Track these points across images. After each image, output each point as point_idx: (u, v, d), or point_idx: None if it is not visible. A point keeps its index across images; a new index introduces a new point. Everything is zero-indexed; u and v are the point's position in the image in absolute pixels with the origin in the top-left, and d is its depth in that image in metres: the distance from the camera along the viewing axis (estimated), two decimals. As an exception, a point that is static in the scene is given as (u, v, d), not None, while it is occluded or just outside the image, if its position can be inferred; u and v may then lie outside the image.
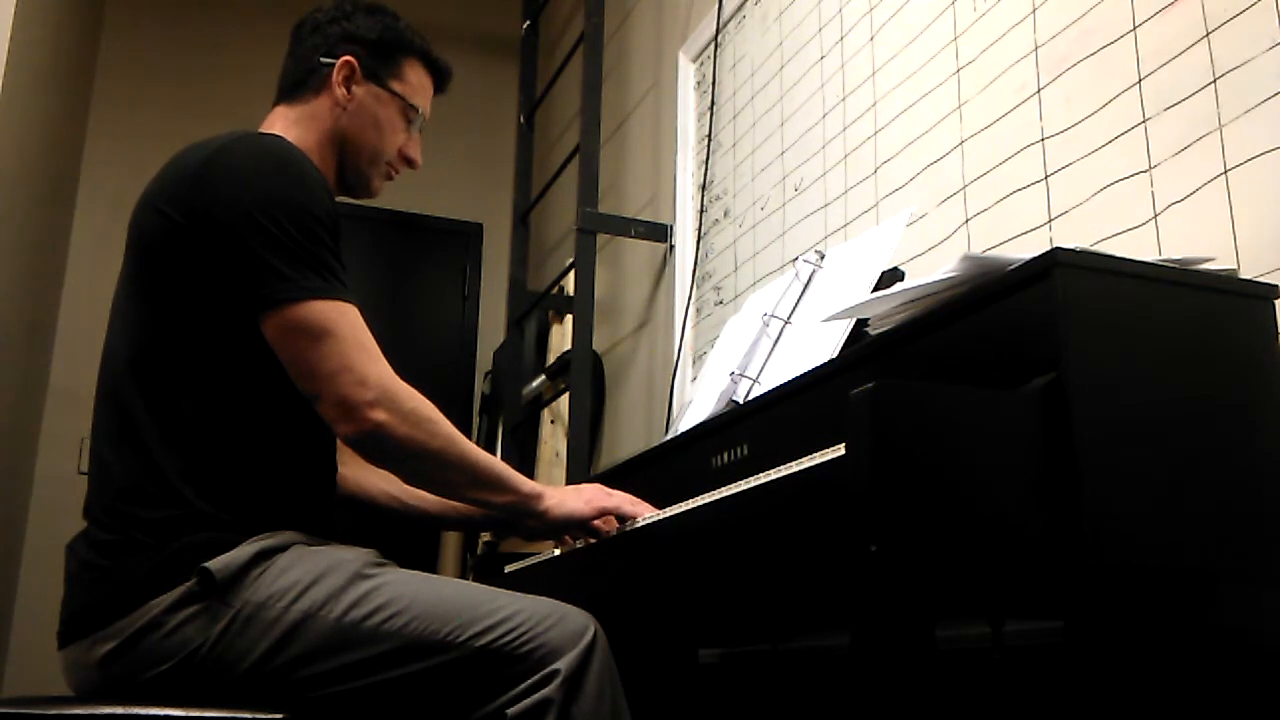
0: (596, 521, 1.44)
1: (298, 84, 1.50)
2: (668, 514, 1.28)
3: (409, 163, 1.56)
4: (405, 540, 1.68)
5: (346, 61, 1.49)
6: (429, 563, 3.79)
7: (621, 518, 1.44)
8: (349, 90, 1.49)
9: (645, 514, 1.40)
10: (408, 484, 1.48)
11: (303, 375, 1.28)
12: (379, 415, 1.26)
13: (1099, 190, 1.45)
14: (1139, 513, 0.91)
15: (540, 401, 3.50)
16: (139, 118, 4.06)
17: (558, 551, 1.58)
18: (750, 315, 1.70)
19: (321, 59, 1.49)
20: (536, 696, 1.19)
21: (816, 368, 1.28)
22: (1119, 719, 0.87)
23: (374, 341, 1.31)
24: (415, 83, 1.55)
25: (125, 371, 1.32)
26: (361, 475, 1.59)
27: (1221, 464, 0.96)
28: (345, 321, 1.28)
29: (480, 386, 4.28)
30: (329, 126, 1.49)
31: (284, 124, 1.49)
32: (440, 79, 1.60)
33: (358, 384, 1.26)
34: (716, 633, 1.86)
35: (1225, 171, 1.26)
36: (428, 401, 1.32)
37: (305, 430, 1.36)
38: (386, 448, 1.29)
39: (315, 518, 1.38)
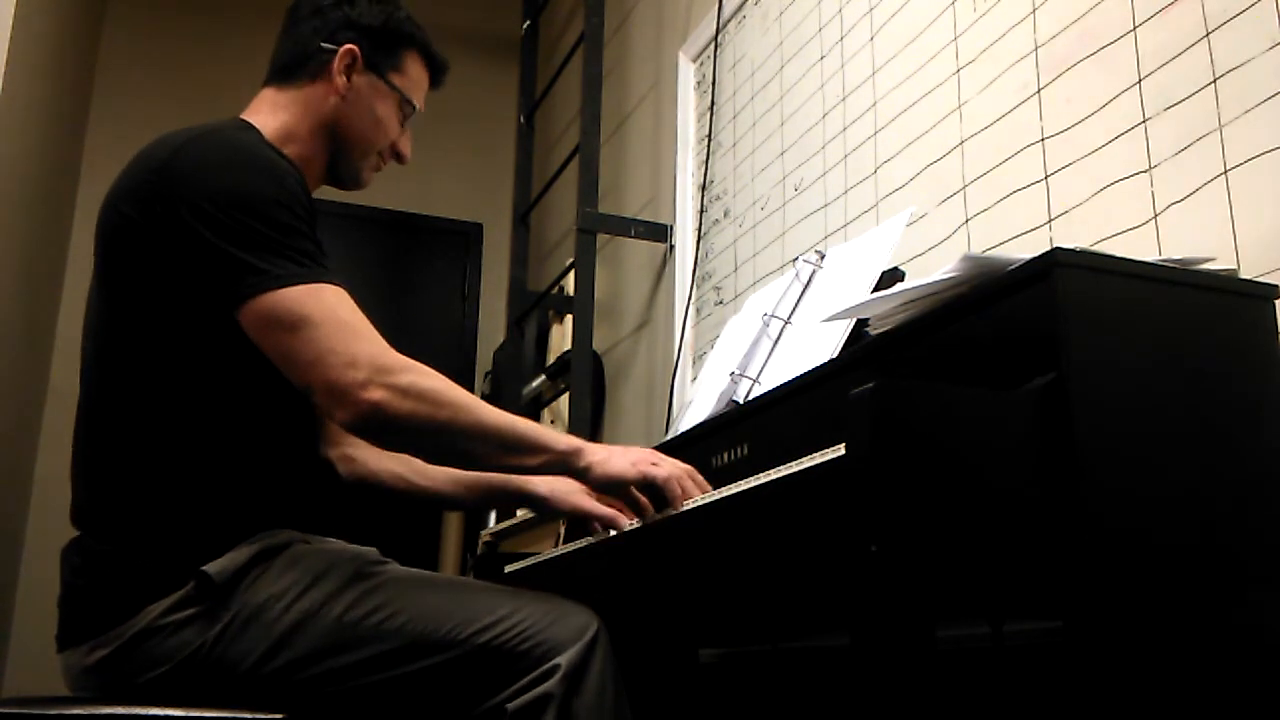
0: (635, 490, 1.31)
1: (292, 67, 1.43)
2: (668, 514, 1.28)
3: (398, 157, 1.52)
4: (405, 538, 1.66)
5: (349, 50, 1.43)
6: (429, 561, 3.79)
7: (662, 502, 1.29)
8: (349, 79, 1.43)
9: (690, 496, 1.27)
10: (430, 463, 1.36)
11: (288, 368, 1.20)
12: (374, 394, 1.17)
13: (1099, 190, 1.45)
14: (1139, 512, 0.91)
15: (540, 401, 3.50)
16: (140, 114, 4.05)
17: (559, 551, 1.57)
18: (750, 315, 1.69)
19: (322, 44, 1.43)
20: (537, 691, 1.19)
21: (816, 368, 1.28)
22: (1119, 719, 0.87)
23: (363, 319, 1.22)
24: (414, 77, 1.50)
25: (100, 379, 1.29)
26: (370, 457, 1.54)
27: (1221, 463, 0.96)
28: (322, 304, 1.20)
29: (480, 386, 4.28)
30: (323, 114, 1.43)
31: (270, 108, 1.42)
32: (437, 74, 1.55)
33: (346, 365, 1.17)
34: (716, 633, 1.86)
35: (1225, 171, 1.26)
36: (431, 371, 1.23)
37: (290, 427, 1.34)
38: (391, 427, 1.20)
39: (310, 514, 1.36)
